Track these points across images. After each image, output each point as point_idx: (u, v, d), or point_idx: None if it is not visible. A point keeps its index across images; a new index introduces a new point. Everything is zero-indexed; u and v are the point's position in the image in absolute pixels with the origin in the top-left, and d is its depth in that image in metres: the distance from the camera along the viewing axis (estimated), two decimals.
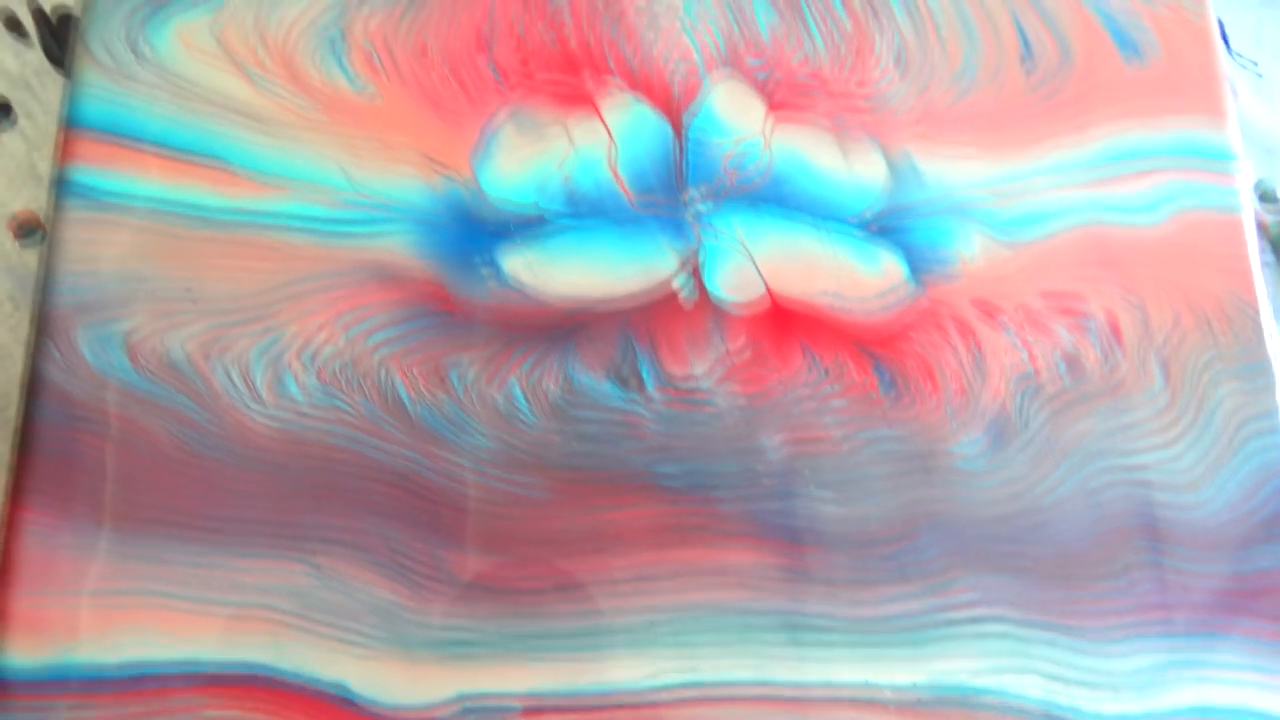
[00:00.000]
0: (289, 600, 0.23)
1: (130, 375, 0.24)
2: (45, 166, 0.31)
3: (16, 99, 0.32)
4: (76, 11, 0.32)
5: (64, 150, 0.25)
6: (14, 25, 0.32)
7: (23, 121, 0.31)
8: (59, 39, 0.32)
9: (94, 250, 0.25)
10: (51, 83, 0.32)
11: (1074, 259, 0.27)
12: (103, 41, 0.26)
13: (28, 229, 0.30)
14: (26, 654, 0.22)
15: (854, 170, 0.27)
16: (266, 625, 0.23)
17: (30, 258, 0.30)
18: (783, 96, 0.27)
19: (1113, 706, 0.24)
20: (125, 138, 0.26)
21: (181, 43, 0.26)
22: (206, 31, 0.27)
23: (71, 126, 0.26)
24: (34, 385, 0.24)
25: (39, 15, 0.32)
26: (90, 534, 0.23)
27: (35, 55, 0.32)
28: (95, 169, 0.25)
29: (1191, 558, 0.25)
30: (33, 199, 0.31)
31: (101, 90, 0.26)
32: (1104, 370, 0.27)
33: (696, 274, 0.26)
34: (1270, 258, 0.34)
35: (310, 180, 0.26)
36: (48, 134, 0.31)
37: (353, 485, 0.24)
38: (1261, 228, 0.34)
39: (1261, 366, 0.27)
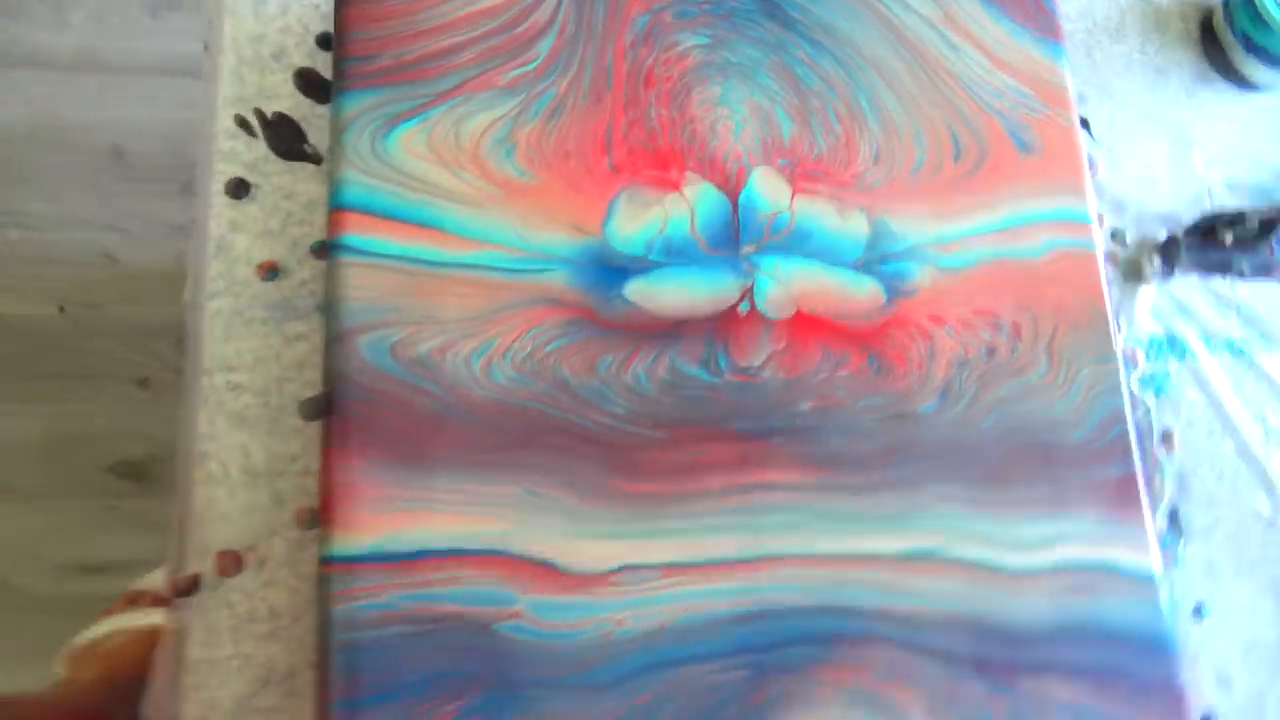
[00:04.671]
0: (512, 508, 0.36)
1: (395, 369, 0.37)
2: (277, 226, 0.44)
3: (251, 179, 0.44)
4: (289, 111, 0.45)
5: (333, 223, 0.39)
6: (244, 124, 0.45)
7: (257, 194, 0.44)
8: (276, 133, 0.45)
9: (362, 289, 0.38)
10: (274, 167, 0.45)
11: (991, 284, 0.42)
12: (355, 148, 0.39)
13: (271, 272, 0.43)
14: (349, 545, 0.35)
15: (848, 228, 0.42)
16: (499, 523, 0.36)
17: (272, 290, 0.43)
18: (800, 181, 0.42)
19: (1022, 560, 0.38)
20: (374, 213, 0.39)
21: (404, 148, 0.40)
22: (421, 139, 0.40)
23: (336, 206, 0.39)
24: (334, 378, 0.37)
25: (260, 116, 0.45)
26: (380, 470, 0.36)
27: (261, 146, 0.45)
28: (356, 235, 0.39)
29: (1068, 467, 0.40)
30: (271, 250, 0.44)
31: (355, 181, 0.39)
32: (1010, 355, 0.41)
33: (750, 298, 0.40)
34: (1116, 277, 0.50)
35: (498, 240, 0.39)
36: (276, 205, 0.44)
37: (541, 435, 0.37)
38: (1112, 258, 0.49)
39: (1107, 347, 0.42)
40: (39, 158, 1.19)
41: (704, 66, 0.43)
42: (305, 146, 0.45)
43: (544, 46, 0.42)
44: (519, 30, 0.42)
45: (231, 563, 0.40)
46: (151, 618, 0.93)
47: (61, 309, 1.15)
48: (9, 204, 1.18)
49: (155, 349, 1.14)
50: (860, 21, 0.45)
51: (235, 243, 0.43)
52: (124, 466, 1.11)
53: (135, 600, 0.96)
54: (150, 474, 1.12)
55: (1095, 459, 0.40)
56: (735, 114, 0.43)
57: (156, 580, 0.99)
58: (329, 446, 0.36)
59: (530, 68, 0.42)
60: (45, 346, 1.14)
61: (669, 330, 0.39)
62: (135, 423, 1.13)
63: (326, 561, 0.35)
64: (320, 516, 0.36)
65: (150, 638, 0.94)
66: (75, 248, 1.17)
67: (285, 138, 0.45)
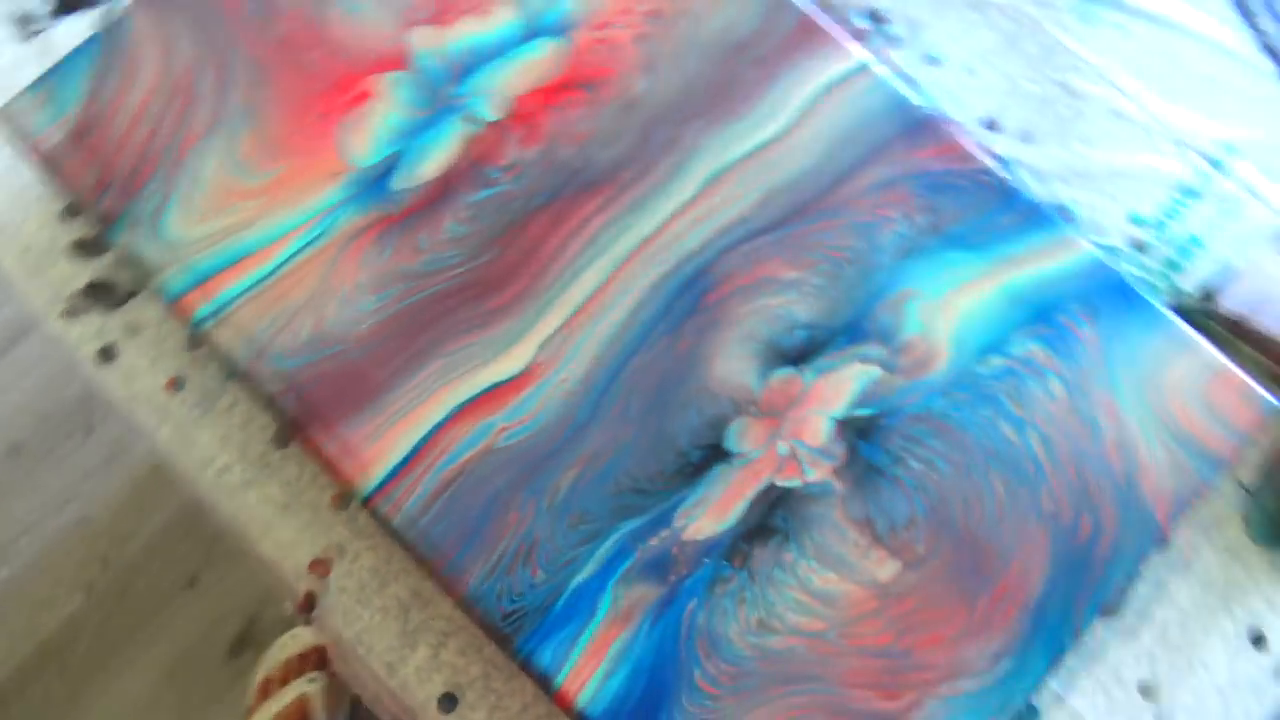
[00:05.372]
0: (445, 373, 0.46)
1: (304, 359, 0.46)
2: (153, 353, 0.52)
3: (109, 341, 0.52)
4: (91, 279, 0.53)
5: (180, 313, 0.47)
6: (69, 313, 0.53)
7: (121, 347, 0.52)
8: (96, 298, 0.53)
9: (236, 335, 0.47)
10: (116, 320, 0.53)
11: None
12: (149, 255, 0.47)
13: (177, 384, 0.52)
14: (370, 480, 0.45)
15: (500, 21, 0.50)
16: (446, 390, 0.46)
17: (188, 394, 0.52)
18: (443, 19, 0.50)
19: (777, 124, 0.48)
20: (198, 283, 0.47)
21: (178, 227, 0.48)
22: (183, 211, 0.48)
23: (172, 301, 0.47)
24: (273, 402, 0.46)
25: (75, 298, 0.53)
26: (350, 424, 0.45)
27: (94, 315, 0.53)
28: (201, 308, 0.47)
29: (761, 48, 0.49)
30: (165, 372, 0.52)
31: (168, 276, 0.47)
32: (672, 7, 0.50)
33: (476, 119, 0.49)
34: None
35: (291, 227, 0.48)
36: (140, 341, 0.52)
37: (424, 317, 0.47)
38: None
39: None
40: None
41: None
42: (121, 289, 0.53)
43: (202, 84, 0.50)
44: (177, 85, 0.49)
45: (323, 567, 0.49)
46: (287, 696, 1.03)
47: (89, 587, 1.23)
48: None
49: (177, 554, 1.23)
50: None
51: (139, 388, 0.52)
52: (235, 647, 1.21)
53: (266, 689, 1.06)
54: (257, 635, 1.21)
55: (773, 28, 0.50)
56: (359, 10, 0.50)
57: (270, 662, 1.09)
58: (308, 441, 0.46)
59: (207, 103, 0.49)
60: (104, 619, 1.22)
61: (444, 184, 0.48)
62: (212, 611, 1.22)
63: (367, 501, 0.45)
64: (342, 486, 0.45)
65: (298, 709, 1.04)
66: (55, 538, 1.24)
67: (104, 295, 0.53)
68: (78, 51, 0.49)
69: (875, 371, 0.45)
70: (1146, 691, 0.44)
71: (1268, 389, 0.43)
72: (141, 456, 1.19)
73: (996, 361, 0.44)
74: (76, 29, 0.57)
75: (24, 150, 0.49)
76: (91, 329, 0.53)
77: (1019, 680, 0.40)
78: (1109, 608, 0.40)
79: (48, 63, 0.49)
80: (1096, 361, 0.44)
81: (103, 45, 0.50)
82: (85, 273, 0.53)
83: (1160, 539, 0.41)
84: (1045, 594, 0.41)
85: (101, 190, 0.48)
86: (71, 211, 0.54)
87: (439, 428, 0.45)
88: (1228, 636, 0.45)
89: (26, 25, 0.57)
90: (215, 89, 0.49)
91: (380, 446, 0.45)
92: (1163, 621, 0.45)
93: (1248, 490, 0.46)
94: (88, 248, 0.53)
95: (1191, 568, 0.46)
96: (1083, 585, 0.41)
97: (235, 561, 1.13)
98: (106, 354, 0.52)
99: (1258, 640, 0.45)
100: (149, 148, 0.49)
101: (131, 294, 0.53)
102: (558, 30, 0.50)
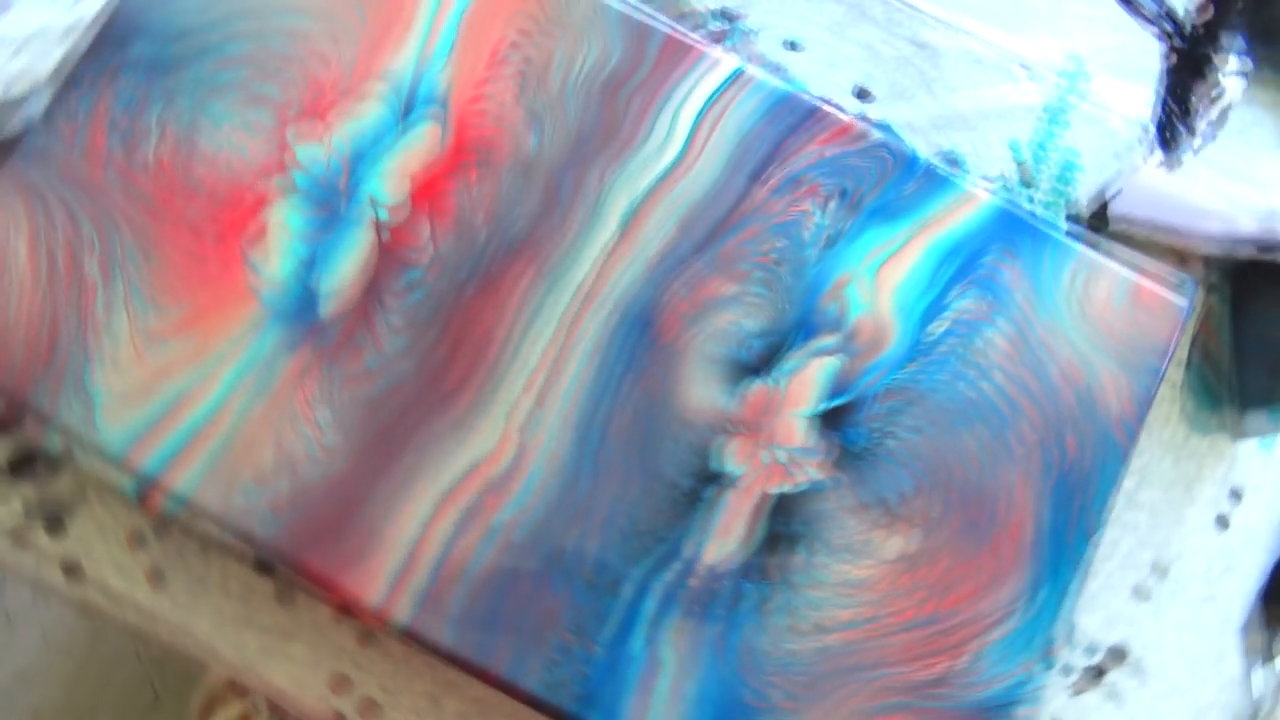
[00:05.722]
0: (424, 471, 0.46)
1: (288, 515, 0.45)
2: (125, 560, 0.50)
3: (60, 516, 0.50)
4: (52, 494, 0.50)
5: (145, 507, 0.45)
6: (20, 542, 0.50)
7: (70, 515, 0.50)
8: (48, 512, 0.50)
9: (215, 505, 0.45)
10: (82, 527, 0.50)
11: (477, 33, 0.50)
12: (96, 464, 0.45)
13: (159, 577, 0.50)
14: (380, 594, 0.45)
15: (373, 111, 0.49)
16: (430, 486, 0.46)
17: (154, 549, 0.50)
18: (318, 122, 0.49)
19: (671, 150, 0.49)
20: (155, 479, 0.45)
21: (103, 407, 0.46)
22: (109, 387, 0.46)
23: (137, 499, 0.45)
24: (262, 555, 0.45)
25: (28, 513, 0.50)
26: (343, 547, 0.45)
27: (51, 536, 0.50)
28: (163, 498, 0.45)
29: (629, 75, 0.50)
30: (140, 569, 0.50)
31: (123, 476, 0.45)
32: (536, 57, 0.50)
33: (379, 217, 0.48)
34: None
35: (235, 377, 0.46)
36: (113, 548, 0.50)
37: (389, 426, 0.46)
38: None
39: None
40: None
41: (179, 135, 0.48)
42: (65, 500, 0.50)
43: (86, 264, 0.47)
44: (58, 254, 0.47)
45: (343, 685, 0.49)
46: (229, 716, 1.01)
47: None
48: None
49: (127, 678, 1.18)
50: None
51: (118, 594, 0.50)
52: None
53: (209, 707, 1.04)
54: None
55: (643, 54, 0.50)
56: (225, 134, 0.48)
57: (215, 680, 1.06)
58: (323, 594, 0.45)
59: (95, 258, 0.47)
60: None
61: (367, 293, 0.47)
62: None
63: (406, 635, 0.45)
64: (356, 613, 0.45)
65: None
66: None
67: (49, 510, 0.50)
68: None
69: (836, 361, 0.47)
70: (1139, 592, 0.49)
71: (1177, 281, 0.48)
72: (72, 625, 1.13)
73: (941, 323, 0.48)
74: None
75: None
76: (49, 551, 0.50)
77: (1050, 607, 0.44)
78: (1096, 525, 0.44)
79: None
80: (1026, 299, 0.48)
81: None
82: (17, 495, 0.50)
83: (1125, 452, 0.46)
84: (1047, 526, 0.45)
85: (19, 398, 0.46)
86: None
87: (453, 543, 0.45)
88: (1195, 525, 0.50)
89: None
90: (94, 233, 0.47)
91: (401, 580, 0.45)
92: (1134, 524, 0.50)
93: (1181, 382, 0.51)
94: (19, 467, 0.50)
95: (1148, 470, 0.50)
96: (1072, 509, 0.45)
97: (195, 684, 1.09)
98: (73, 571, 0.50)
99: (1222, 521, 0.50)
100: (43, 328, 0.46)
101: (77, 499, 0.50)
102: (435, 101, 0.49)
